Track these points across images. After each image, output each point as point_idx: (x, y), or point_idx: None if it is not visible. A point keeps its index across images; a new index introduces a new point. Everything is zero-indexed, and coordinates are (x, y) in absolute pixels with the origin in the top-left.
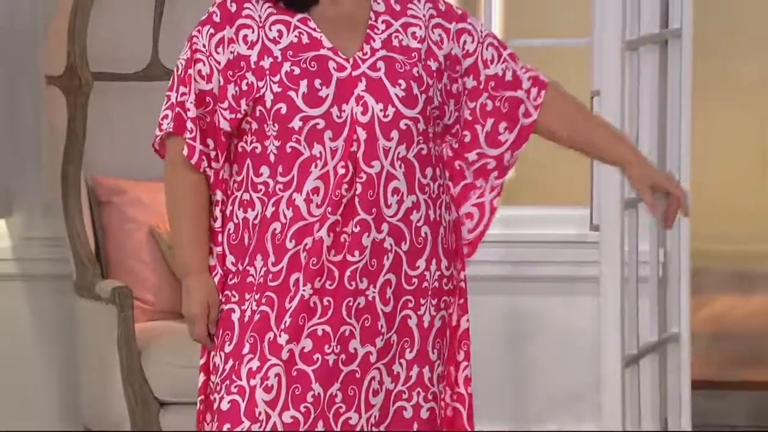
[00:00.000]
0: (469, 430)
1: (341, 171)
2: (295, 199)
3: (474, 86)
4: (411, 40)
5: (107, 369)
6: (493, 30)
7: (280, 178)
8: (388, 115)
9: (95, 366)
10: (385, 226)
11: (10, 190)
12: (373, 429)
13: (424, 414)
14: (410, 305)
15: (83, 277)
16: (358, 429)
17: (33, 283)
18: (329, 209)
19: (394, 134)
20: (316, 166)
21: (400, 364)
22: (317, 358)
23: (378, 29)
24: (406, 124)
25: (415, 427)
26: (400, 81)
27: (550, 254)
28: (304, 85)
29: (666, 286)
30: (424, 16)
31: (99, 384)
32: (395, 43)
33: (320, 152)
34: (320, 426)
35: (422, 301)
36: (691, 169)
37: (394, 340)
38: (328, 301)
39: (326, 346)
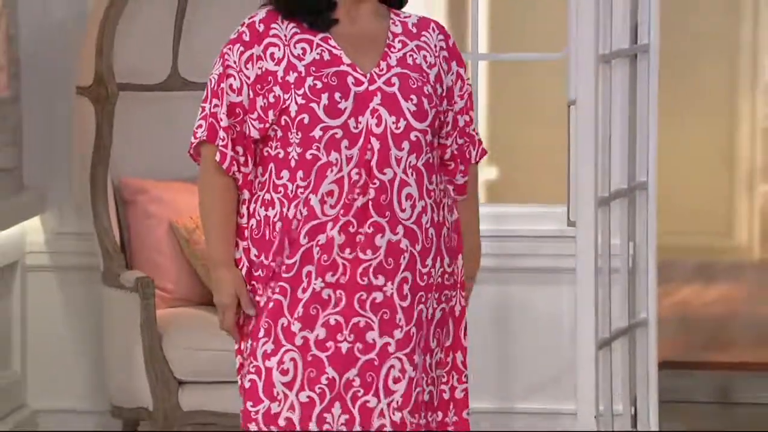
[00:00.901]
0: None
1: (355, 177)
2: (310, 200)
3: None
4: (423, 62)
5: (131, 351)
6: (479, 44)
7: (299, 182)
8: (400, 128)
9: (120, 349)
10: (400, 229)
11: (44, 190)
12: (395, 413)
13: (425, 397)
14: (423, 300)
15: (110, 268)
16: (377, 411)
17: (64, 273)
18: (342, 211)
19: (405, 145)
20: (332, 171)
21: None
22: (330, 346)
23: (395, 48)
24: (416, 136)
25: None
26: (412, 96)
27: (532, 248)
28: (325, 97)
29: (635, 277)
30: (435, 46)
31: (124, 365)
32: (410, 61)
33: (336, 159)
34: (337, 407)
35: (429, 296)
36: (659, 170)
37: (413, 333)
38: (340, 293)
39: (339, 335)
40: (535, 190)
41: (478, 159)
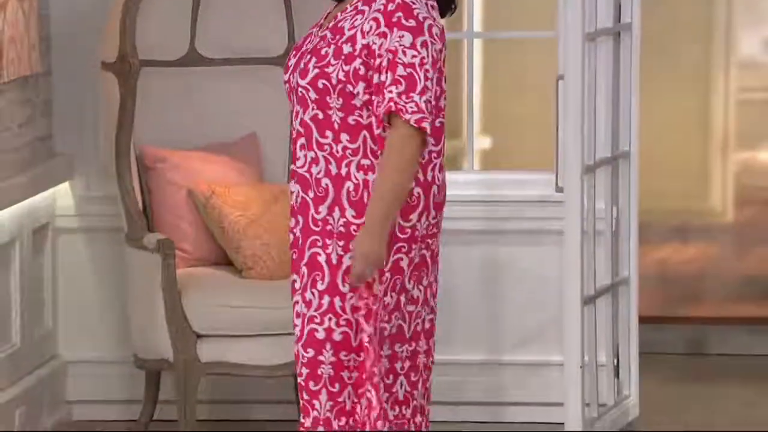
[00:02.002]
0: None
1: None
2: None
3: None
4: (346, 24)
5: (153, 307)
6: (474, 23)
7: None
8: (294, 84)
9: (143, 305)
10: (296, 175)
11: (72, 157)
12: (294, 345)
13: (336, 336)
14: (318, 244)
15: (133, 230)
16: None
17: (92, 235)
18: None
19: (297, 99)
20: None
21: (312, 293)
22: None
23: (341, 16)
24: (301, 92)
25: (328, 347)
26: (307, 55)
27: (521, 211)
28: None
29: (618, 238)
30: (372, 10)
31: (146, 320)
32: (339, 25)
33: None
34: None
35: (327, 242)
36: (640, 138)
37: (304, 272)
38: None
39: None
40: (525, 158)
41: (382, 114)
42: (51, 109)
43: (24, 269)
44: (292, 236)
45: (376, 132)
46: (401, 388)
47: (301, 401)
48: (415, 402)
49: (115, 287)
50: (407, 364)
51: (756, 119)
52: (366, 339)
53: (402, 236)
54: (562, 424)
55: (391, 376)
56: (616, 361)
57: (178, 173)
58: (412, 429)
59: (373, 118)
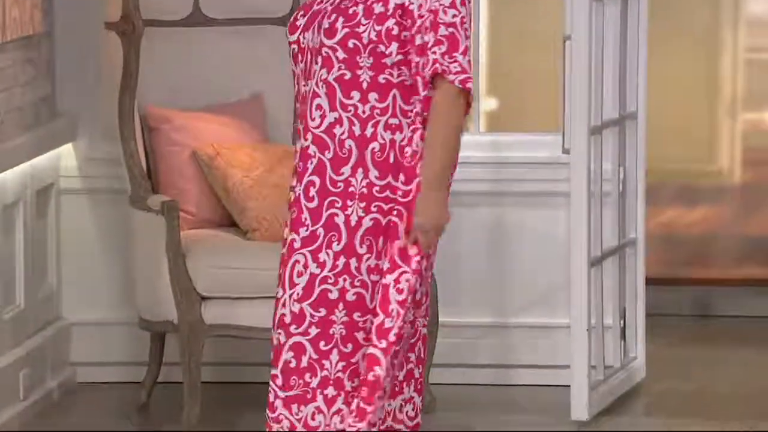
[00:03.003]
0: (380, 313)
1: (302, 89)
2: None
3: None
4: None
5: (157, 269)
6: None
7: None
8: (316, 43)
9: (147, 266)
10: (309, 136)
11: (76, 119)
12: (294, 304)
13: (350, 297)
14: (336, 205)
15: (137, 191)
16: (281, 302)
17: (95, 196)
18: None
19: (318, 59)
20: (297, 84)
21: (327, 254)
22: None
23: None
24: (326, 52)
25: (341, 307)
26: (333, 14)
27: (528, 173)
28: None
29: (625, 200)
30: None
31: (150, 281)
32: None
33: (294, 72)
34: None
35: (347, 203)
36: (647, 99)
37: (320, 233)
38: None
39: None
40: (531, 119)
41: (428, 76)
42: (54, 69)
43: (28, 230)
44: (292, 195)
45: (423, 93)
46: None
47: (288, 359)
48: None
49: (119, 249)
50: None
51: (765, 79)
52: (396, 300)
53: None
54: (569, 386)
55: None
56: (622, 323)
57: (182, 134)
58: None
59: (404, 77)
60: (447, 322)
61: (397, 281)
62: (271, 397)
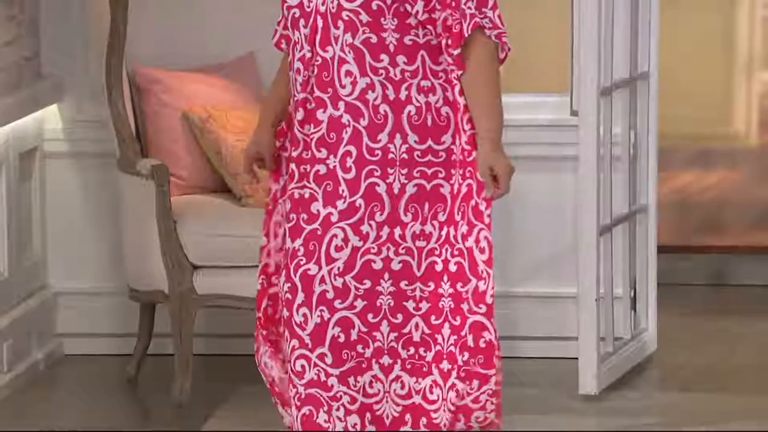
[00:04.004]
0: (472, 278)
1: (308, 55)
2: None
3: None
4: None
5: (147, 237)
6: None
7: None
8: (335, 7)
9: (137, 234)
10: (341, 105)
11: (61, 79)
12: (336, 278)
13: (395, 266)
14: (375, 174)
15: (126, 155)
16: (318, 278)
17: (82, 160)
18: (300, 88)
19: (340, 24)
20: (297, 50)
21: (370, 225)
22: (292, 218)
23: None
24: (347, 15)
25: (386, 277)
26: None
27: (535, 136)
28: None
29: (636, 164)
30: None
31: (140, 249)
32: None
33: (299, 37)
34: (283, 275)
35: (388, 170)
36: (660, 59)
37: (360, 204)
38: (293, 168)
39: (291, 212)
40: (538, 79)
41: (469, 32)
42: (38, 27)
43: (11, 195)
44: (323, 168)
45: (455, 52)
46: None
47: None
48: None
49: (107, 215)
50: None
51: None
52: (481, 262)
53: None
54: (576, 359)
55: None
56: (633, 293)
57: (172, 95)
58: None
59: (430, 37)
60: None
61: (477, 241)
62: (322, 376)
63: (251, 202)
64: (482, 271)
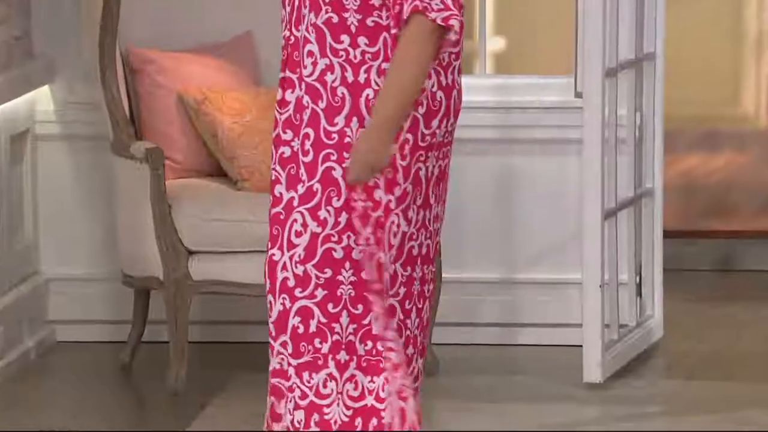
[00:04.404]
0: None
1: (287, 34)
2: None
3: None
4: None
5: (141, 221)
6: None
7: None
8: None
9: (130, 218)
10: (303, 85)
11: (53, 60)
12: (297, 266)
13: (356, 255)
14: (332, 158)
15: (119, 138)
16: (280, 265)
17: (74, 143)
18: (281, 67)
19: (307, 2)
20: (282, 29)
21: (327, 210)
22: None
23: None
24: None
25: (347, 266)
26: None
27: (538, 119)
28: None
29: (641, 147)
30: None
31: (134, 234)
32: None
33: (283, 16)
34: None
35: (342, 155)
36: (667, 39)
37: (317, 189)
38: (273, 149)
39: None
40: (541, 60)
41: (408, 14)
42: (29, 6)
43: (2, 179)
44: (288, 150)
45: (393, 32)
46: (425, 313)
47: (296, 325)
48: (407, 332)
49: (100, 199)
50: (429, 287)
51: None
52: (362, 242)
53: (422, 144)
54: (580, 346)
55: (421, 301)
56: (638, 278)
57: (167, 76)
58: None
59: (392, 20)
60: (450, 278)
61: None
62: (284, 365)
63: (247, 186)
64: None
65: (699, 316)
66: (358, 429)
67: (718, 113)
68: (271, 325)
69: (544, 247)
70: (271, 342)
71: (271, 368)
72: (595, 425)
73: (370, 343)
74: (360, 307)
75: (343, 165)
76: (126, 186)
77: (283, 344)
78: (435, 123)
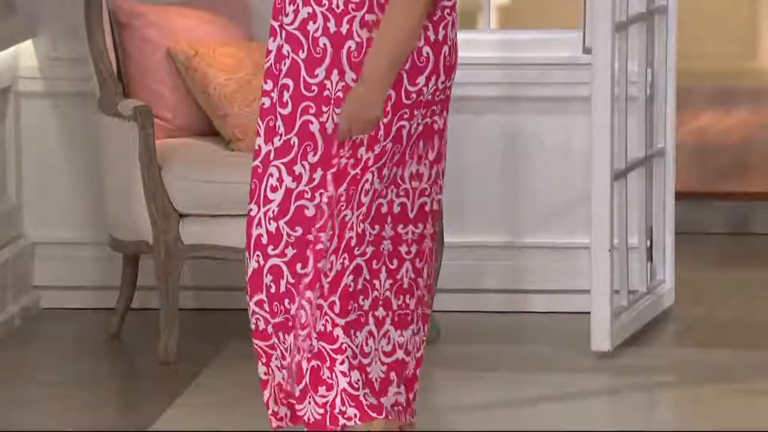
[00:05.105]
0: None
1: None
2: None
3: None
4: None
5: (130, 183)
6: None
7: None
8: None
9: (118, 180)
10: (284, 33)
11: (36, 13)
12: (271, 222)
13: (395, 209)
14: (311, 111)
15: (106, 95)
16: (256, 220)
17: (59, 100)
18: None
19: None
20: None
21: (303, 166)
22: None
23: None
24: None
25: (317, 224)
26: None
27: (544, 76)
28: None
29: (653, 105)
30: None
31: (122, 197)
32: None
33: None
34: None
35: (324, 108)
36: None
37: (294, 142)
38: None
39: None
40: (548, 14)
41: None
42: None
43: None
44: (267, 101)
45: None
46: (406, 275)
47: (268, 284)
48: (419, 292)
49: (87, 159)
50: (414, 248)
51: None
52: (325, 200)
53: (406, 101)
54: (589, 313)
55: (395, 261)
56: (649, 242)
57: (156, 31)
58: (414, 320)
59: None
60: (452, 243)
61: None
62: (261, 325)
63: (241, 145)
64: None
65: (712, 281)
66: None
67: (734, 68)
68: (247, 284)
69: (550, 210)
70: (248, 301)
71: (253, 329)
72: (603, 396)
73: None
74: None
75: (321, 119)
76: (113, 146)
77: (259, 303)
78: (421, 80)
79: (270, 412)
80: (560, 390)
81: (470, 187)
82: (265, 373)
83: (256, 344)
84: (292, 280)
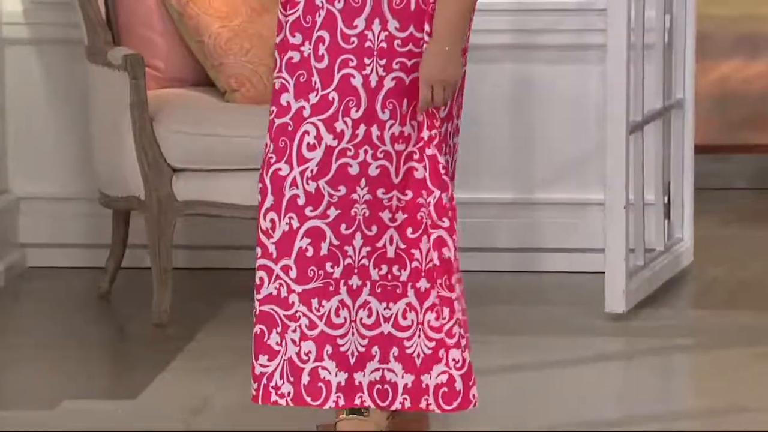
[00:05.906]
0: (432, 187)
1: None
2: None
3: None
4: None
5: (120, 135)
6: None
7: None
8: None
9: (108, 133)
10: None
11: None
12: (309, 182)
13: (372, 171)
14: (351, 64)
15: (95, 43)
16: (289, 180)
17: (45, 47)
18: None
19: None
20: None
21: (345, 122)
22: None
23: None
24: None
25: (363, 183)
26: None
27: (557, 22)
28: None
29: (671, 53)
30: None
31: (112, 150)
32: None
33: None
34: (259, 175)
35: (366, 61)
36: None
37: (333, 98)
38: (278, 55)
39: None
40: None
41: None
42: None
43: None
44: (297, 55)
45: None
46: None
47: (304, 247)
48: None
49: (74, 111)
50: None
51: None
52: (443, 171)
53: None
54: (603, 273)
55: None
56: (666, 199)
57: None
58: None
59: None
60: (461, 199)
61: (439, 148)
62: (284, 292)
63: (237, 96)
64: (445, 182)
65: (733, 239)
66: (376, 359)
67: (758, 14)
68: (271, 246)
69: (563, 165)
70: (270, 264)
71: (263, 294)
72: (617, 359)
73: (385, 268)
74: (374, 228)
75: (363, 72)
76: (103, 96)
77: (285, 268)
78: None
79: (272, 385)
80: (573, 353)
81: (479, 141)
82: (277, 344)
83: (273, 310)
84: (336, 242)
